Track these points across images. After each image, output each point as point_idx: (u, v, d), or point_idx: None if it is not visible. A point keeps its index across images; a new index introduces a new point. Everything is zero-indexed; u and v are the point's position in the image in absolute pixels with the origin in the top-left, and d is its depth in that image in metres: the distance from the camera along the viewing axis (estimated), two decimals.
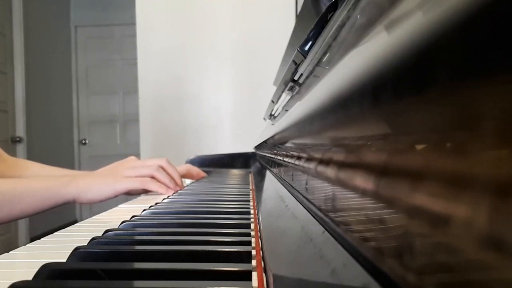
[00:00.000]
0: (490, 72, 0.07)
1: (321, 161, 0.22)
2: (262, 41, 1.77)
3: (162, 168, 0.76)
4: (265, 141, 0.81)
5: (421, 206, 0.10)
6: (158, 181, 0.74)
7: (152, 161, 0.76)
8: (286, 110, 0.53)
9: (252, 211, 0.49)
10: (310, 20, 0.44)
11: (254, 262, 0.28)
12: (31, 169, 0.83)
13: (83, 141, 3.86)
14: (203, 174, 1.06)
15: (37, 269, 0.26)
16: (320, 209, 0.23)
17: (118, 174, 0.71)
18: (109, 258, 0.30)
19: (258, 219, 0.42)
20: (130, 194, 0.77)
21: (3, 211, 0.60)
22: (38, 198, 0.62)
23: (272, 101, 0.87)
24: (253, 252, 0.30)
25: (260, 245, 0.32)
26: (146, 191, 0.75)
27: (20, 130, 2.94)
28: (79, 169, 3.71)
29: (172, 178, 0.77)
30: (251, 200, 0.59)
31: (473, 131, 0.08)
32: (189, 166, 1.04)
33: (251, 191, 0.72)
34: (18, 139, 2.91)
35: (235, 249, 0.30)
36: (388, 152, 0.12)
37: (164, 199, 0.63)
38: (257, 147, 1.23)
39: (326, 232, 0.21)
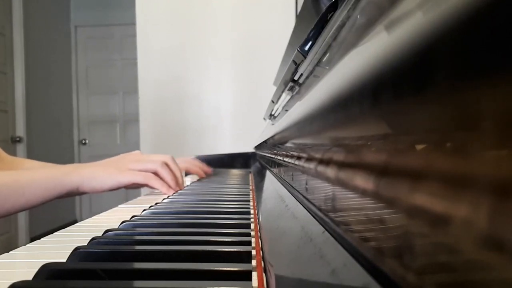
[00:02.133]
0: (490, 72, 0.07)
1: (321, 161, 0.22)
2: (262, 41, 1.77)
3: (167, 164, 0.75)
4: (265, 141, 0.81)
5: (421, 206, 0.10)
6: (161, 178, 0.73)
7: (157, 157, 0.75)
8: (286, 110, 0.53)
9: (252, 211, 0.49)
10: (310, 20, 0.44)
11: (254, 262, 0.28)
12: (27, 166, 0.83)
13: (83, 141, 3.85)
14: (207, 168, 1.05)
15: (37, 269, 0.26)
16: (320, 209, 0.23)
17: (122, 166, 0.70)
18: (109, 258, 0.30)
19: (258, 219, 0.42)
20: (132, 188, 0.76)
21: (8, 202, 0.60)
22: (42, 188, 0.62)
23: (272, 101, 0.87)
24: (253, 252, 0.30)
25: (260, 245, 0.32)
26: (148, 186, 0.74)
27: (20, 130, 2.94)
28: None
29: (174, 176, 0.76)
30: (251, 200, 0.59)
31: (472, 131, 0.08)
32: (191, 162, 1.03)
33: (251, 191, 0.72)
34: (18, 139, 2.91)
35: (235, 249, 0.30)
36: (388, 152, 0.12)
37: (164, 199, 0.63)
38: (257, 147, 1.23)
39: (326, 232, 0.21)
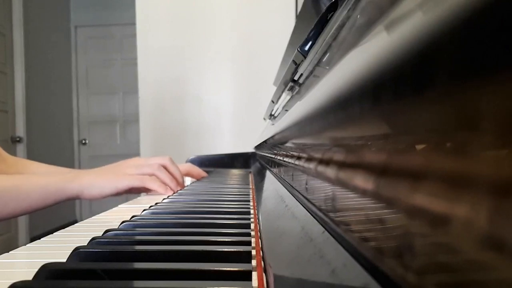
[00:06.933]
0: (490, 73, 0.07)
1: (321, 161, 0.22)
2: (262, 41, 1.77)
3: (165, 167, 0.76)
4: (265, 141, 0.81)
5: (421, 206, 0.10)
6: (159, 179, 0.74)
7: (155, 160, 0.76)
8: (286, 110, 0.53)
9: (252, 211, 0.49)
10: (310, 20, 0.44)
11: (254, 262, 0.28)
12: (31, 168, 0.84)
13: (83, 141, 3.85)
14: (204, 174, 1.07)
15: (37, 269, 0.26)
16: (320, 209, 0.23)
17: (120, 172, 0.71)
18: (109, 258, 0.30)
19: (258, 219, 0.42)
20: (132, 193, 0.77)
21: (9, 206, 0.62)
22: (43, 194, 0.64)
23: (272, 101, 0.87)
24: (253, 252, 0.30)
25: (260, 245, 0.32)
26: (146, 190, 0.75)
27: (20, 130, 2.94)
28: (79, 169, 3.70)
29: (174, 177, 0.77)
30: (251, 200, 0.59)
31: (472, 131, 0.08)
32: (190, 166, 1.04)
33: (251, 191, 0.72)
34: (18, 139, 2.91)
35: (235, 249, 0.30)
36: (388, 152, 0.12)
37: (164, 199, 0.63)
38: (257, 147, 1.23)
39: (326, 232, 0.21)
